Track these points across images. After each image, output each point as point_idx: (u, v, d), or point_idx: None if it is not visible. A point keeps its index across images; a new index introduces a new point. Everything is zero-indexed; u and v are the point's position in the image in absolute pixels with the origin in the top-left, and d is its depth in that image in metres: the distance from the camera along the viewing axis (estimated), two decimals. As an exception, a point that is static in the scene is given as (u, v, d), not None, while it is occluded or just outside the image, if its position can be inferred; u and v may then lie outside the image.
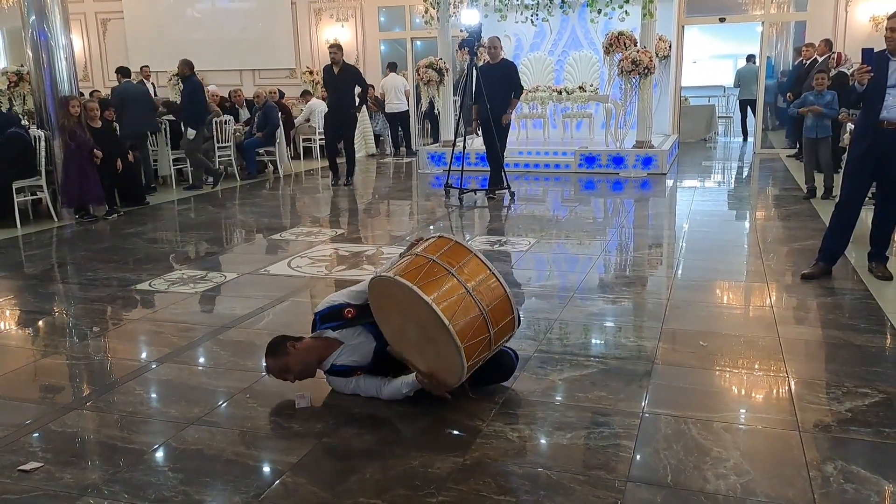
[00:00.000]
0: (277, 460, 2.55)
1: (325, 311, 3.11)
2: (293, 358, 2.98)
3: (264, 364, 3.05)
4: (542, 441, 2.67)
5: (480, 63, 8.39)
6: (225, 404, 3.02)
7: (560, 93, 10.55)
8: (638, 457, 2.52)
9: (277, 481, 2.41)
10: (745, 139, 13.65)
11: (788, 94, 10.07)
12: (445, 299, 2.67)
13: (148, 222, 7.34)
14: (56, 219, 7.24)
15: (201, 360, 3.59)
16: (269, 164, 10.55)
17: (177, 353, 3.65)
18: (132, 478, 2.45)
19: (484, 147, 8.49)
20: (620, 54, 9.28)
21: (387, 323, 2.97)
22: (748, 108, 13.33)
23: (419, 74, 10.39)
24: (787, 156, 10.70)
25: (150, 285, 4.91)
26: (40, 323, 4.27)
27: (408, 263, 2.81)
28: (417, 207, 8.42)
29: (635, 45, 9.39)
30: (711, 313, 4.16)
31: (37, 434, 2.78)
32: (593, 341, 3.72)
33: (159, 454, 2.62)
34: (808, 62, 10.07)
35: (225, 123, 9.72)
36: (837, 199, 4.73)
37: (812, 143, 7.42)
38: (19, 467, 2.51)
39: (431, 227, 7.12)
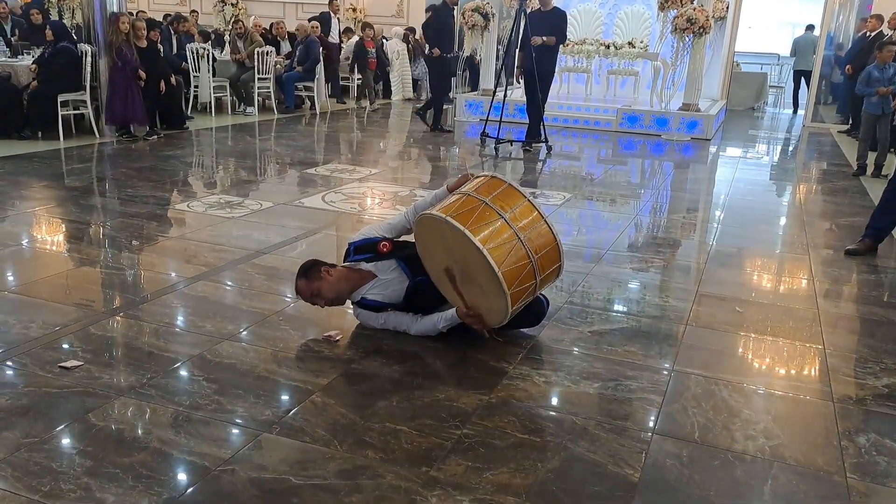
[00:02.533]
0: (307, 381, 2.60)
1: (360, 243, 3.10)
2: (325, 284, 2.98)
3: (295, 285, 3.07)
4: (569, 387, 2.68)
5: (529, 10, 8.18)
6: (258, 324, 3.07)
7: (607, 47, 10.25)
8: (665, 412, 2.52)
9: (307, 400, 2.46)
10: (795, 111, 13.24)
11: (847, 67, 9.68)
12: (496, 244, 2.64)
13: (186, 146, 7.39)
14: (98, 135, 7.32)
15: (236, 281, 3.64)
16: (307, 100, 10.50)
17: (212, 272, 3.70)
18: (167, 384, 2.52)
19: (524, 98, 8.34)
20: (676, 11, 8.97)
21: (431, 259, 2.96)
22: (802, 79, 12.89)
23: (464, 18, 10.15)
24: (839, 131, 10.35)
25: (187, 206, 4.96)
26: (80, 233, 4.35)
27: (460, 203, 2.76)
28: (452, 154, 8.35)
29: (692, 3, 9.06)
30: (749, 281, 4.10)
31: (77, 335, 2.86)
32: (625, 298, 3.69)
33: (193, 364, 2.68)
34: (872, 35, 9.64)
35: (266, 55, 9.65)
36: (891, 177, 4.58)
37: (873, 119, 7.15)
38: (60, 363, 2.59)
39: (459, 173, 7.06)
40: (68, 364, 2.59)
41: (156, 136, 7.43)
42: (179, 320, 3.11)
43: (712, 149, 8.77)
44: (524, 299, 2.78)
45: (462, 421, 2.38)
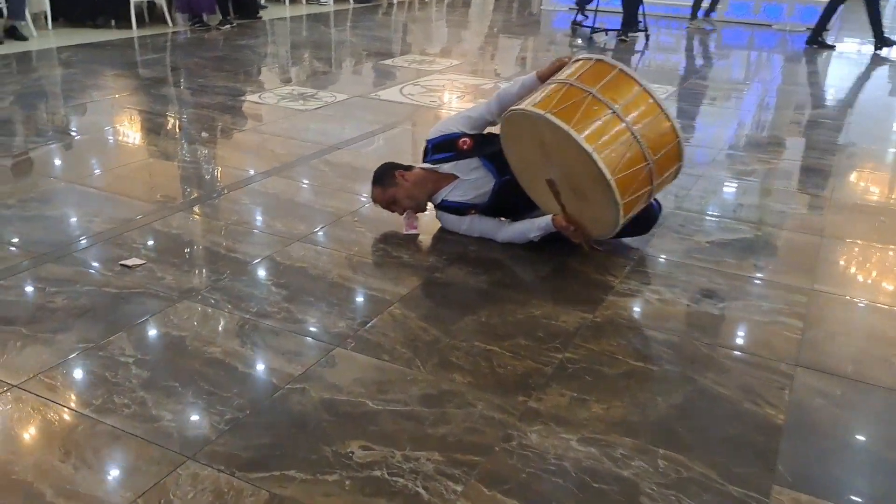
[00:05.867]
0: (385, 289, 2.31)
1: (438, 140, 2.74)
2: (402, 190, 2.67)
3: (371, 193, 2.77)
4: (688, 307, 2.29)
5: None
6: (331, 225, 2.79)
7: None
8: (808, 339, 2.11)
9: (385, 311, 2.18)
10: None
11: None
12: (607, 145, 2.19)
13: (260, 36, 7.05)
14: (171, 24, 7.05)
15: (308, 177, 3.35)
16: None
17: (285, 167, 3.42)
18: (234, 287, 2.29)
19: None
20: None
21: (522, 162, 2.56)
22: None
23: None
24: None
25: (259, 98, 4.66)
26: (150, 124, 4.14)
27: (560, 95, 2.29)
28: (539, 45, 7.69)
29: None
30: (891, 186, 3.50)
31: (141, 231, 2.65)
32: (745, 204, 3.20)
33: (262, 267, 2.44)
34: None
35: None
36: None
37: None
38: (122, 262, 2.40)
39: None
40: (130, 262, 2.39)
41: (229, 26, 7.10)
42: (248, 219, 2.86)
43: (829, 40, 7.72)
44: (636, 208, 2.36)
45: (563, 343, 2.05)
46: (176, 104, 4.56)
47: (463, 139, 2.69)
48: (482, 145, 2.69)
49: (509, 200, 2.67)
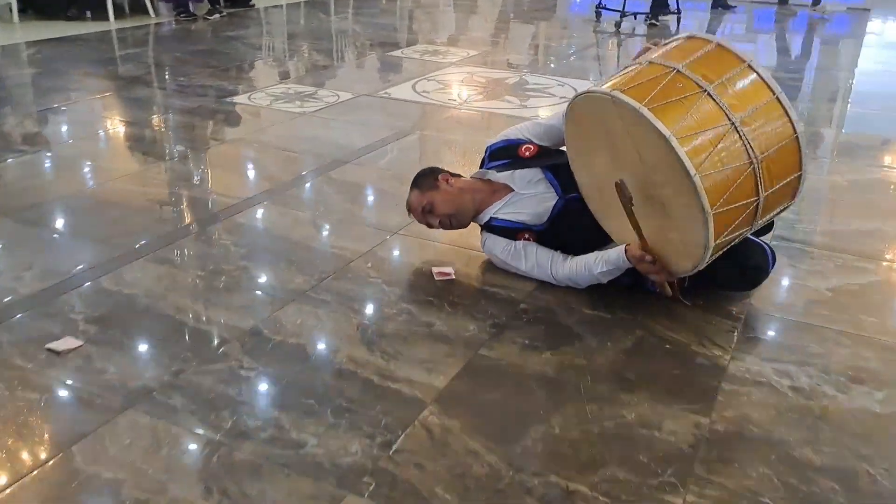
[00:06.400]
0: (414, 382, 1.66)
1: (498, 146, 2.23)
2: (441, 195, 2.12)
3: (407, 199, 2.21)
4: (835, 399, 1.64)
5: None
6: (338, 274, 2.13)
7: None
8: None
9: (416, 420, 1.53)
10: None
11: None
12: (693, 134, 1.59)
13: (252, 26, 6.37)
14: (153, 14, 6.37)
15: (307, 203, 2.70)
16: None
17: (278, 189, 2.76)
18: (201, 385, 1.63)
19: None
20: None
21: (586, 168, 1.98)
22: None
23: None
24: None
25: (249, 99, 4.00)
26: (115, 138, 3.49)
27: (635, 73, 1.72)
28: (561, 33, 6.99)
29: None
30: None
31: (82, 293, 2.00)
32: (860, 229, 2.53)
33: (243, 349, 1.78)
34: None
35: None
36: None
37: None
38: (48, 345, 1.72)
39: (572, 56, 5.78)
40: (59, 346, 1.71)
41: (218, 15, 6.42)
42: (229, 268, 2.18)
43: (871, 22, 7.01)
44: (736, 230, 1.71)
45: (679, 474, 1.40)
46: (149, 110, 3.88)
47: (526, 146, 2.15)
48: (548, 154, 2.14)
49: (573, 227, 2.06)
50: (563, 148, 2.12)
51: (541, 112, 3.88)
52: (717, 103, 1.64)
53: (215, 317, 1.90)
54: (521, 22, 7.41)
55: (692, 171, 1.57)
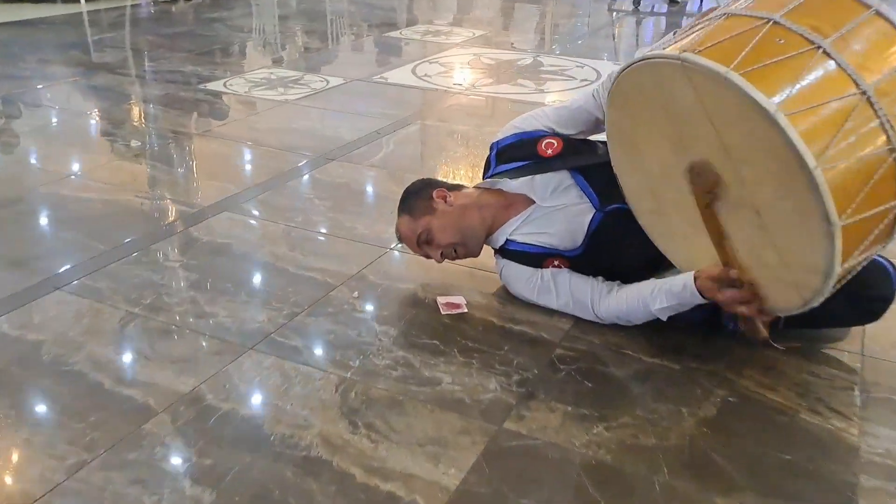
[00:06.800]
0: (415, 478, 1.16)
1: (508, 142, 1.67)
2: (441, 219, 1.60)
3: (396, 225, 1.68)
4: None
5: None
6: (316, 308, 1.62)
7: None
8: None
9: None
10: None
11: None
12: (808, 109, 1.07)
13: (236, 7, 5.85)
14: (128, -5, 5.86)
15: (284, 211, 2.19)
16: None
17: (247, 194, 2.26)
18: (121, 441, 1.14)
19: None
20: None
21: (636, 167, 1.43)
22: None
23: None
24: None
25: (224, 86, 3.48)
26: (67, 132, 2.99)
27: (714, 29, 1.19)
28: (574, 10, 6.45)
29: None
30: None
31: (-21, 338, 1.51)
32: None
33: (186, 421, 1.29)
34: None
35: None
36: None
37: None
38: None
39: (586, 36, 5.24)
40: None
41: (200, -4, 5.91)
42: (179, 301, 1.68)
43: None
44: (870, 249, 1.18)
45: None
46: (111, 99, 3.36)
47: (548, 140, 1.62)
48: (577, 150, 1.61)
49: (617, 250, 1.55)
50: (596, 137, 1.61)
51: (559, 99, 3.36)
52: (839, 64, 1.12)
53: (140, 380, 1.39)
54: (534, 2, 6.87)
55: (811, 163, 1.04)
